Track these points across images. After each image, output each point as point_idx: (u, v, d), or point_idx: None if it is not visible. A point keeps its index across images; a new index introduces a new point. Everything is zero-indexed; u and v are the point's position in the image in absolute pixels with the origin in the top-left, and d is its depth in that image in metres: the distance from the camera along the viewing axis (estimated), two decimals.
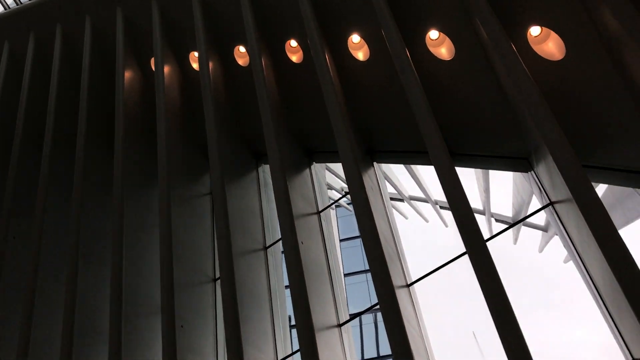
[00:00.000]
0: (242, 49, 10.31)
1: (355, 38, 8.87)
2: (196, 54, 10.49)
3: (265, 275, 9.15)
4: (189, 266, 8.81)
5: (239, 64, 10.37)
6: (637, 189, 7.42)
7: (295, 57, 9.79)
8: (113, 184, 9.45)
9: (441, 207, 13.22)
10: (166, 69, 10.34)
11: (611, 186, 7.83)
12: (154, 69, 10.61)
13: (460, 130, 8.34)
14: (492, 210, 11.35)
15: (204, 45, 9.84)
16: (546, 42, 7.31)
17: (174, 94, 10.40)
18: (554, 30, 7.16)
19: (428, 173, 12.21)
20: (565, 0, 6.88)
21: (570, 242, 6.89)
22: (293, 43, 9.73)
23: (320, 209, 9.58)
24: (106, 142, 10.97)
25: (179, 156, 9.79)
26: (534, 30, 7.26)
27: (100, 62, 11.41)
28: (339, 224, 17.30)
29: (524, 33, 7.32)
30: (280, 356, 8.44)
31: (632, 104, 6.62)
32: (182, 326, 7.86)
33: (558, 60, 7.17)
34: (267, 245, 9.65)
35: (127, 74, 10.81)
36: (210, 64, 9.81)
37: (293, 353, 8.56)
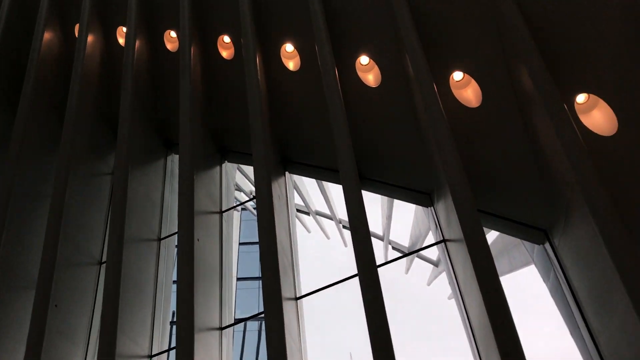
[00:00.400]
0: (173, 34, 10.07)
1: (289, 47, 8.90)
2: (124, 29, 10.14)
3: (155, 266, 8.90)
4: (75, 244, 8.42)
5: (167, 48, 10.11)
6: (523, 241, 7.87)
7: (226, 53, 9.68)
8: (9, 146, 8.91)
9: (344, 227, 13.44)
10: (90, 38, 9.92)
11: (502, 234, 8.26)
12: (77, 35, 10.15)
13: (373, 155, 8.53)
14: (391, 238, 11.66)
15: (134, 22, 9.53)
16: (466, 89, 7.65)
17: (94, 65, 9.98)
18: (474, 78, 7.51)
19: (337, 191, 12.38)
20: (490, 52, 7.23)
21: (455, 280, 7.19)
22: (226, 39, 9.62)
23: (223, 209, 9.47)
24: (14, 106, 10.35)
25: (86, 129, 9.38)
26: (457, 75, 7.58)
27: (21, 17, 10.78)
28: (242, 227, 17.13)
29: (448, 76, 7.63)
30: (155, 350, 8.22)
31: (535, 165, 7.01)
32: (55, 305, 7.48)
33: (474, 108, 7.52)
34: (161, 237, 9.40)
35: (47, 35, 10.27)
36: (137, 42, 9.51)
37: (169, 350, 8.35)
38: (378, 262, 6.28)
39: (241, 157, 10.25)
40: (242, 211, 15.98)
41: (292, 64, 9.02)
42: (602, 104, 6.43)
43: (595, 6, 6.26)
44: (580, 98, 6.58)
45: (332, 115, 7.36)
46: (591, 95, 6.53)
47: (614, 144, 6.28)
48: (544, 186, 6.91)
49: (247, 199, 13.65)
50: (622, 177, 6.21)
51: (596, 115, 6.53)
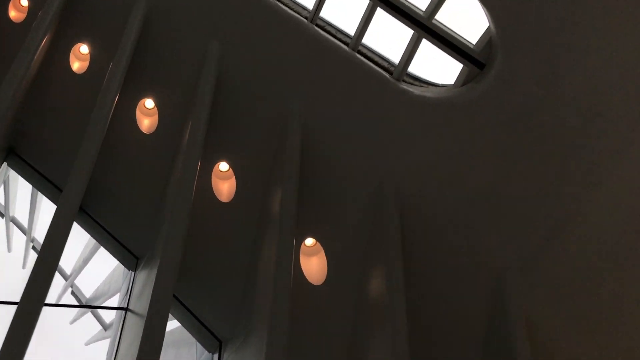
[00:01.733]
0: None
1: (83, 49, 8.28)
2: None
3: None
4: None
5: None
6: (198, 343, 7.86)
7: (14, 14, 8.64)
8: None
9: (33, 247, 12.12)
10: None
11: (183, 328, 8.17)
12: None
13: (102, 194, 8.05)
14: (76, 281, 10.81)
15: None
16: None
17: None
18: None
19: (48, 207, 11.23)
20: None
21: (116, 353, 6.79)
22: (24, 1, 8.64)
23: None
24: None
25: None
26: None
27: None
28: None
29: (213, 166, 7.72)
30: None
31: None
32: None
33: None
34: None
35: None
36: None
37: None
38: (49, 301, 5.65)
39: None
40: None
41: (77, 65, 8.35)
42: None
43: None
44: (309, 241, 7.12)
45: (89, 132, 6.69)
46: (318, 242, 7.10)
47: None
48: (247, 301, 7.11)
49: None
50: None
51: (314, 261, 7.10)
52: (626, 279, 5.71)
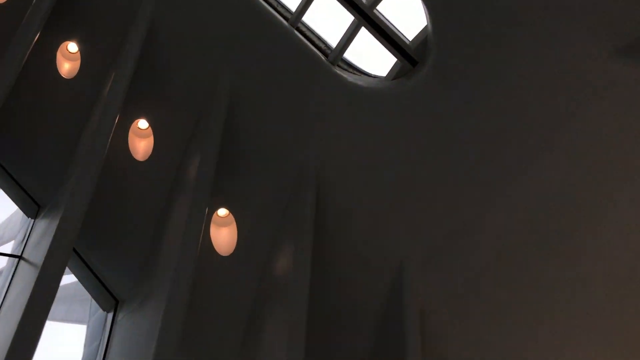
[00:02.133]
0: None
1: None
2: None
3: None
4: None
5: None
6: (93, 300, 7.62)
7: None
8: None
9: None
10: None
11: (79, 283, 7.90)
12: None
13: (9, 136, 7.59)
14: None
15: None
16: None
17: None
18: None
19: None
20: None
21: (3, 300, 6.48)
22: None
23: None
24: None
25: None
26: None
27: None
28: None
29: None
30: None
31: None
32: None
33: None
34: None
35: None
36: None
37: None
38: None
39: None
40: None
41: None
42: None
43: None
44: (222, 212, 7.05)
45: None
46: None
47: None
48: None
49: None
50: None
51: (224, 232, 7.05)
52: (514, 285, 6.07)
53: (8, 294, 6.51)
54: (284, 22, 6.82)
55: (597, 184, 5.49)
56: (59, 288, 5.35)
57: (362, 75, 6.78)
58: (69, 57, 7.69)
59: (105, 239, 7.32)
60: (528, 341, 6.14)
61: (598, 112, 5.26)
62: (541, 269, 5.92)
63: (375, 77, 6.72)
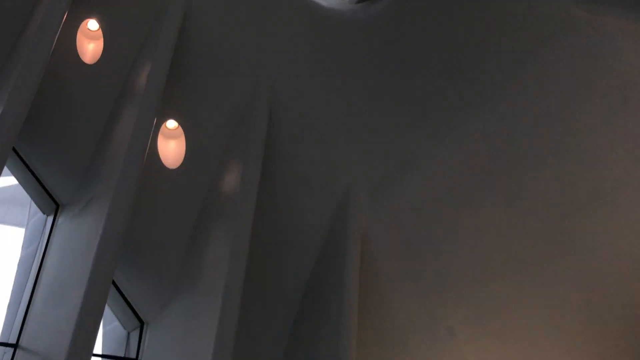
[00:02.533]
0: None
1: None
2: None
3: None
4: None
5: None
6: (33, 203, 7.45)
7: None
8: None
9: None
10: None
11: (19, 186, 7.66)
12: None
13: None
14: None
15: None
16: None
17: None
18: None
19: None
20: None
21: None
22: None
23: None
24: None
25: None
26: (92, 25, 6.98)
27: None
28: None
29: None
30: None
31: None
32: None
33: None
34: None
35: None
36: None
37: None
38: None
39: None
40: None
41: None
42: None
43: None
44: (171, 124, 6.88)
45: None
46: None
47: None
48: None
49: None
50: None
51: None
52: (458, 225, 6.21)
53: None
54: None
55: (547, 127, 5.57)
56: None
57: None
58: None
59: (48, 141, 7.07)
60: (465, 276, 6.32)
61: (554, 57, 5.29)
62: (489, 214, 6.00)
63: None
